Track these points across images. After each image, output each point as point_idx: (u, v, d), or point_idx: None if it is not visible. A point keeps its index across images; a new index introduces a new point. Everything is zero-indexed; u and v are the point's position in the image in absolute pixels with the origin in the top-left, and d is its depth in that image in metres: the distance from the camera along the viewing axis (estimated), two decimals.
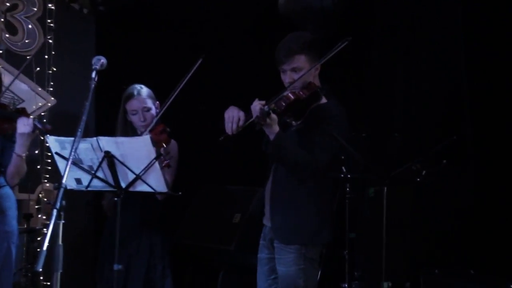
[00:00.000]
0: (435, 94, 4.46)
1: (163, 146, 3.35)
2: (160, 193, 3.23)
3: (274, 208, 3.12)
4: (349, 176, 4.11)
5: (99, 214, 3.99)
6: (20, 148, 3.36)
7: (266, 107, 2.85)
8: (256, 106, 2.87)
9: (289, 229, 3.06)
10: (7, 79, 3.86)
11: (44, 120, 4.69)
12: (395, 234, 3.64)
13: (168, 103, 3.39)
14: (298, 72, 3.03)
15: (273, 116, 2.89)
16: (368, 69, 4.85)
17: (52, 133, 3.12)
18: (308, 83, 3.06)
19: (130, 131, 3.76)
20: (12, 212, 3.51)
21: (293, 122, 3.12)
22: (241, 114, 2.92)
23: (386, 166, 3.51)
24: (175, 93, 3.37)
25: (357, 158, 3.31)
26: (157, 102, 3.76)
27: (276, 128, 2.93)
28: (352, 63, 4.81)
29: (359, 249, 4.43)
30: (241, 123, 2.90)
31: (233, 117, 2.92)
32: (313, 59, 3.05)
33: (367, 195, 4.41)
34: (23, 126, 3.28)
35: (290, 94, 2.98)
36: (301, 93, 3.02)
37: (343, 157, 3.89)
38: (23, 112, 3.38)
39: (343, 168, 4.03)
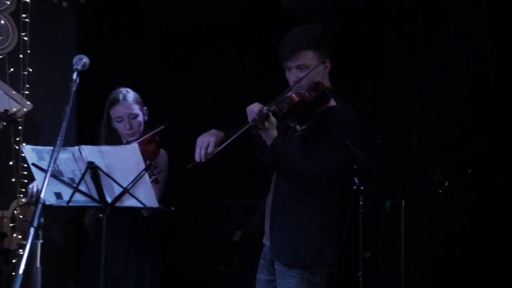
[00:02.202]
0: (458, 95, 4.46)
1: (150, 159, 3.34)
2: (150, 208, 3.22)
3: (274, 225, 3.09)
4: (362, 188, 4.11)
5: (81, 232, 3.98)
6: None
7: (265, 108, 2.80)
8: (255, 107, 2.83)
9: (289, 248, 3.04)
10: None
11: (20, 128, 4.69)
12: (414, 253, 3.63)
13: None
14: (305, 70, 3.00)
15: (272, 119, 2.83)
16: (382, 67, 4.85)
17: (28, 142, 3.12)
18: (316, 83, 3.02)
19: (115, 140, 3.75)
20: None
21: (298, 126, 3.09)
22: (212, 140, 2.97)
23: (404, 177, 3.50)
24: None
25: (371, 168, 3.30)
26: (145, 107, 3.76)
27: (275, 133, 2.88)
28: (364, 60, 4.82)
29: (375, 270, 4.42)
30: (209, 149, 2.95)
31: (202, 142, 2.97)
32: (322, 56, 3.02)
33: (382, 209, 4.41)
34: None
35: (294, 95, 2.93)
36: (306, 94, 2.98)
37: (355, 167, 3.88)
38: None
39: (355, 179, 4.03)
